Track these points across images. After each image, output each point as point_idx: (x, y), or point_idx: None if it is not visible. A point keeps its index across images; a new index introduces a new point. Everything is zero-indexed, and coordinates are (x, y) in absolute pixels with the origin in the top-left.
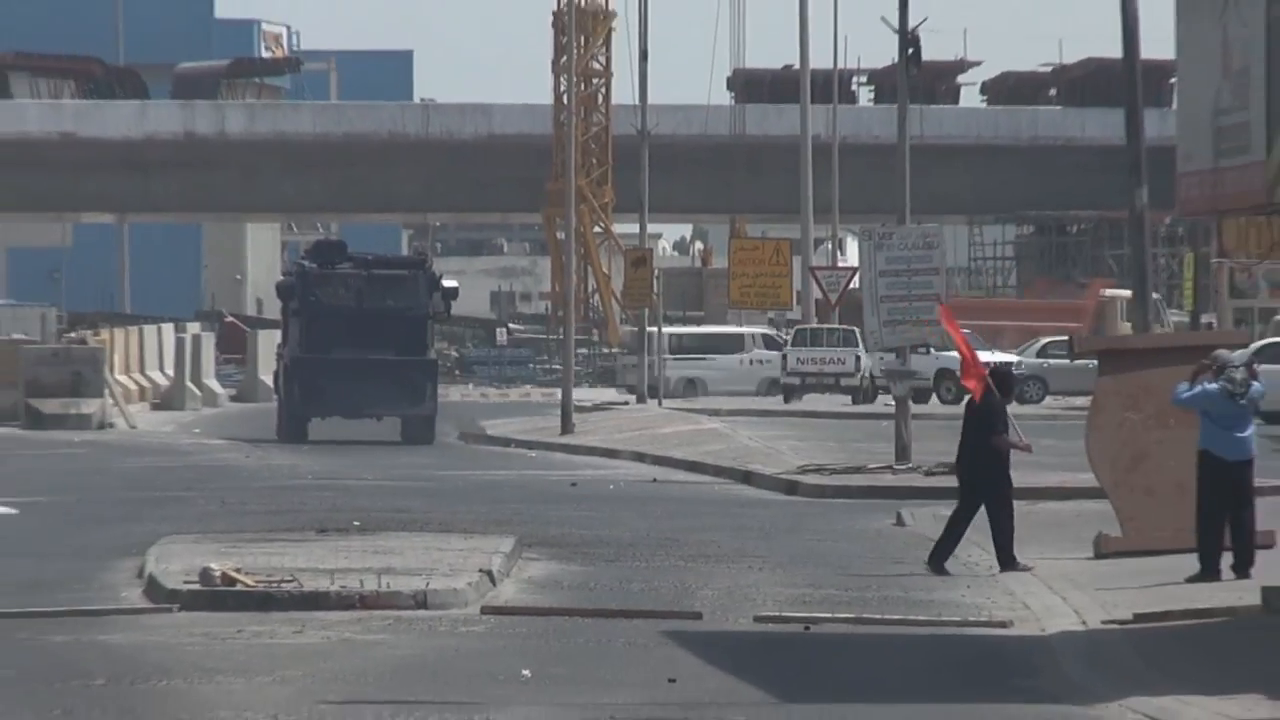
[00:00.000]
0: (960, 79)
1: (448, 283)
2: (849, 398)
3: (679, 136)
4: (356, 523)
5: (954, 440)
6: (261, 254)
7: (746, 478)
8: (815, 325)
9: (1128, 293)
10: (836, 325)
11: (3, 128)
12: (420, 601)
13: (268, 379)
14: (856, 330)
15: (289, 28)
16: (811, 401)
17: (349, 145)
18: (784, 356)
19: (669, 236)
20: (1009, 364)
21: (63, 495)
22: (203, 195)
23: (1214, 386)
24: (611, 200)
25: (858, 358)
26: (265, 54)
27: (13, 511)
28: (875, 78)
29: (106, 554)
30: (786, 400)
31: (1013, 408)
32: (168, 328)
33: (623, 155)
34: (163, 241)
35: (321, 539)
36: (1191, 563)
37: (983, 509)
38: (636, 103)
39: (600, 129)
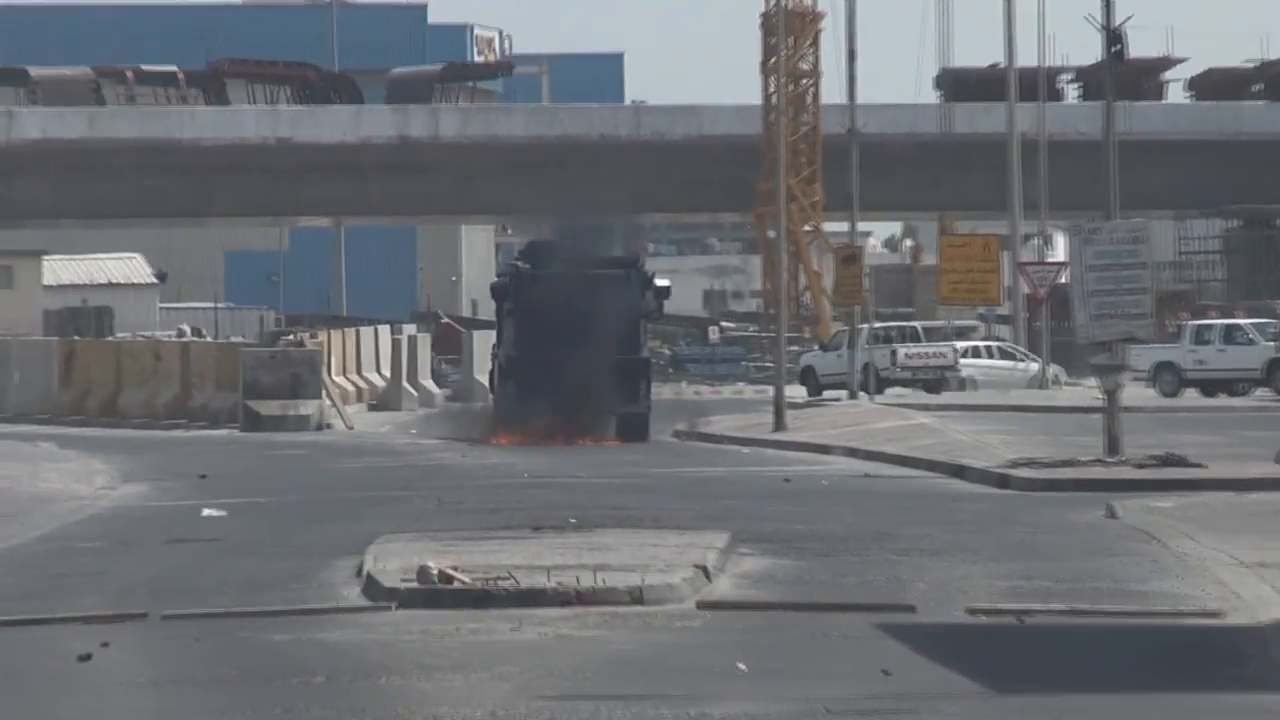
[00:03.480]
0: (1165, 75)
1: (660, 282)
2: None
3: (887, 135)
4: (572, 520)
5: (1163, 433)
6: (476, 255)
7: (958, 472)
8: (887, 325)
9: None
10: (905, 324)
11: (221, 133)
12: (636, 597)
13: (483, 379)
14: (919, 326)
15: (501, 32)
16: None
17: (561, 147)
18: (892, 353)
19: (879, 234)
20: None
21: (282, 495)
22: (417, 198)
23: None
24: (821, 199)
25: (955, 351)
26: (478, 58)
27: (221, 514)
28: (1081, 75)
29: (326, 553)
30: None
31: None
32: (384, 329)
33: (831, 154)
34: (378, 244)
35: (537, 536)
36: None
37: None
38: (845, 102)
39: (809, 129)
